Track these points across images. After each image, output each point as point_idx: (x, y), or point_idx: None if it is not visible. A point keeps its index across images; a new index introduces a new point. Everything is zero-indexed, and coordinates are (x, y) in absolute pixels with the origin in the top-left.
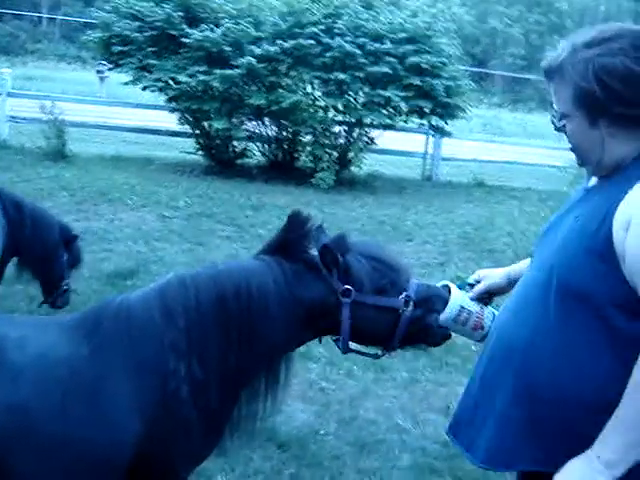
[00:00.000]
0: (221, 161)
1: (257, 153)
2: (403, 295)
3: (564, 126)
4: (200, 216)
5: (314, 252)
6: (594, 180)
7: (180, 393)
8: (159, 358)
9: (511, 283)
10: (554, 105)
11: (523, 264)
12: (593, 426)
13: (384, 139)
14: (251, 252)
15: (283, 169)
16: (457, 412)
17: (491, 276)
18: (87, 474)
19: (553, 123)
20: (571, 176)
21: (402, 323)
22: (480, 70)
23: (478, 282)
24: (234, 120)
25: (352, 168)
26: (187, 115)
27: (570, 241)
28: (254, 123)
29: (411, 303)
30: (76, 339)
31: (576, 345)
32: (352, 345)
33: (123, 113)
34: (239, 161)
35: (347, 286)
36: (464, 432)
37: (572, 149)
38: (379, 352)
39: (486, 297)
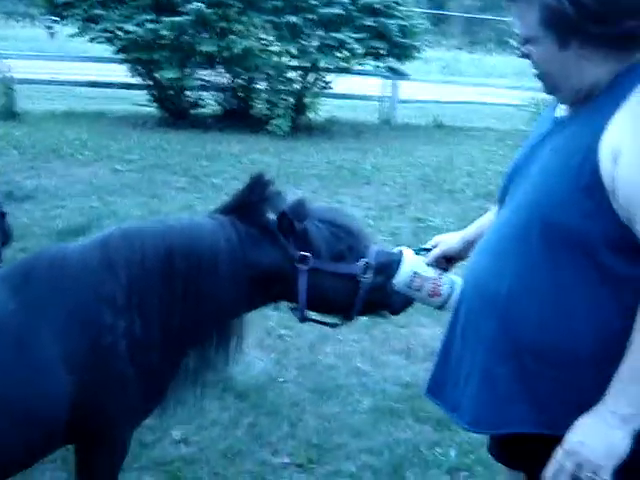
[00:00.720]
0: (175, 112)
1: (211, 102)
2: (362, 261)
3: (530, 51)
4: (154, 168)
5: (272, 217)
6: (563, 109)
7: (117, 348)
8: (92, 309)
9: (468, 247)
10: (518, 29)
11: (479, 224)
12: (594, 380)
13: (341, 83)
14: (207, 202)
15: (238, 117)
16: (436, 371)
17: (447, 241)
18: (24, 427)
19: (518, 49)
20: (529, 114)
21: (361, 290)
22: (437, 12)
23: (435, 247)
24: (186, 70)
25: (308, 114)
26: (138, 66)
27: (551, 176)
28: (207, 72)
29: (370, 269)
30: (3, 292)
31: (568, 291)
32: (309, 314)
33: (75, 68)
34: (193, 111)
35: (304, 253)
36: (447, 393)
37: (539, 76)
38: (338, 321)
39: (443, 263)
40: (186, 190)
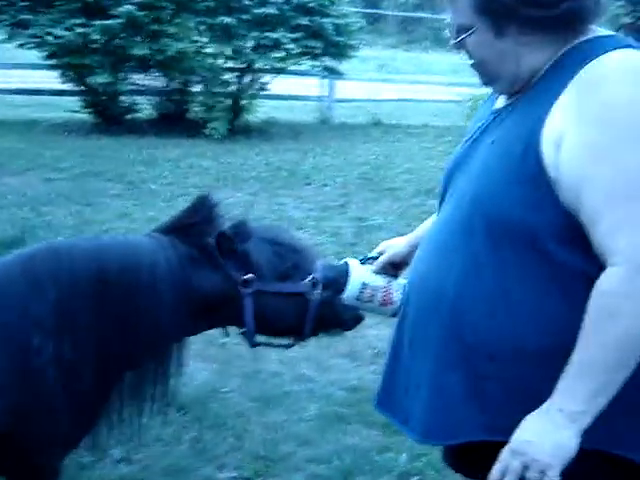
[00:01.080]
0: (109, 118)
1: (146, 107)
2: (309, 278)
3: (463, 41)
4: (88, 176)
5: (214, 239)
6: (502, 100)
7: (45, 373)
8: (19, 330)
9: (415, 250)
10: (450, 18)
11: (423, 228)
12: (547, 379)
13: (278, 84)
14: (144, 209)
15: (174, 121)
16: (384, 382)
17: (393, 247)
18: None
19: (451, 40)
20: (467, 110)
21: (311, 308)
22: (372, 11)
23: (381, 255)
24: (120, 74)
25: (246, 116)
26: (69, 72)
27: (491, 169)
28: (141, 76)
29: (318, 285)
30: None
31: (515, 287)
32: (260, 338)
33: (5, 75)
34: (128, 116)
35: (247, 275)
36: (397, 404)
37: (475, 66)
38: (290, 342)
39: (391, 270)
40: (122, 197)
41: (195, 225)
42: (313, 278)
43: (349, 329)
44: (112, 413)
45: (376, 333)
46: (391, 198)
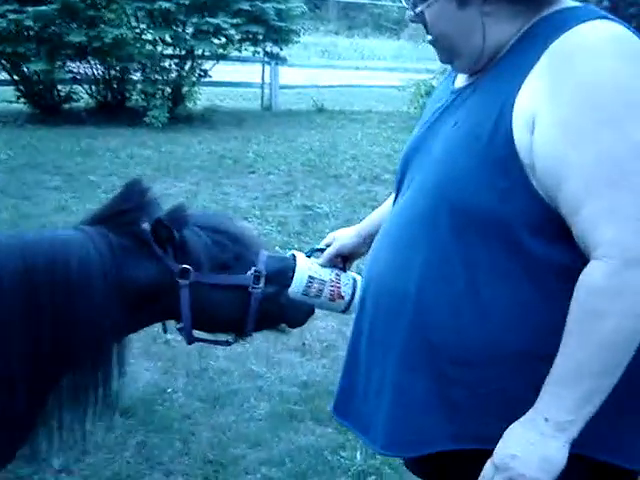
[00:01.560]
0: (46, 107)
1: (84, 96)
2: (252, 270)
3: (422, 13)
4: (24, 168)
5: (147, 227)
6: (463, 79)
7: None
8: None
9: (364, 241)
10: None
11: (375, 216)
12: (521, 381)
13: (220, 71)
14: (83, 201)
15: (114, 110)
16: (342, 386)
17: (341, 238)
18: None
19: (409, 12)
20: (410, 95)
21: (253, 302)
22: None
23: (329, 247)
24: (56, 62)
25: (187, 103)
26: (2, 60)
27: (455, 154)
28: (78, 64)
29: (262, 278)
30: None
31: (484, 282)
32: (197, 334)
33: None
34: (66, 106)
35: (184, 265)
36: (356, 412)
37: (434, 42)
38: (230, 339)
39: (340, 262)
40: (60, 189)
41: (126, 213)
42: (256, 270)
43: (298, 325)
44: (50, 420)
45: (325, 325)
46: (337, 185)
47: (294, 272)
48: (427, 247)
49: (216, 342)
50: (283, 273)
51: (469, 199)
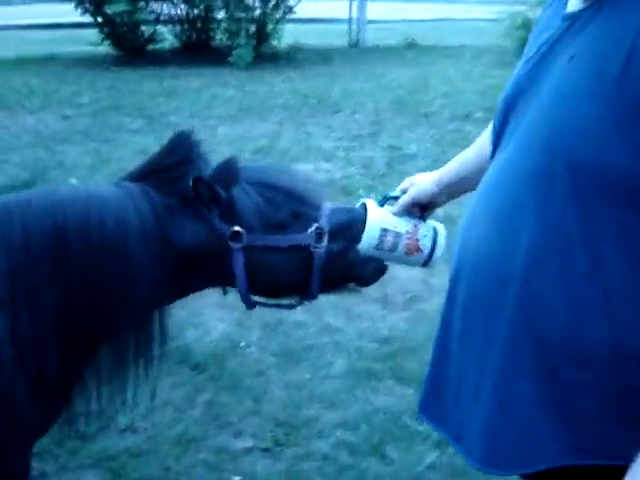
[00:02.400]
0: (130, 49)
1: (169, 36)
2: (313, 227)
3: None
4: (106, 111)
5: None
6: (575, 3)
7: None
8: None
9: (445, 190)
10: None
11: (459, 162)
12: None
13: (305, 8)
14: (162, 143)
15: (198, 51)
16: (429, 384)
17: (418, 184)
18: None
19: None
20: (504, 28)
21: (317, 263)
22: None
23: (405, 194)
24: (139, 2)
25: (272, 42)
26: (85, 2)
27: (572, 97)
28: (160, 4)
29: (325, 235)
30: None
31: (613, 266)
32: (257, 299)
33: (25, 11)
34: (150, 47)
35: (236, 227)
36: (448, 413)
37: None
38: (294, 302)
39: (417, 212)
40: (141, 132)
41: (172, 168)
42: (317, 227)
43: (369, 284)
44: (88, 390)
45: (408, 275)
46: (426, 124)
47: (364, 224)
48: (537, 217)
49: (278, 306)
50: (350, 227)
51: (592, 155)
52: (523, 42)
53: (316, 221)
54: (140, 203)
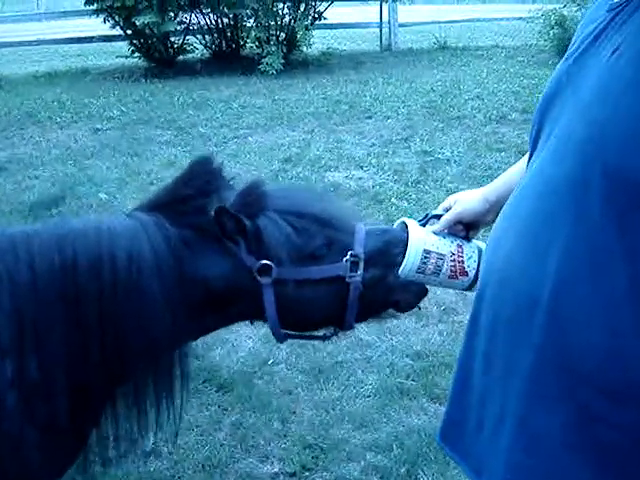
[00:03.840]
0: (160, 60)
1: (199, 46)
2: (348, 255)
3: None
4: (136, 124)
5: None
6: None
7: (5, 402)
8: None
9: (492, 208)
10: None
11: (505, 178)
12: None
13: (336, 13)
14: (192, 155)
15: (228, 60)
16: (450, 412)
17: (463, 201)
18: None
19: None
20: (538, 27)
21: (353, 293)
22: None
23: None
24: (167, 13)
25: (302, 48)
26: (114, 15)
27: (615, 94)
28: (189, 14)
29: (361, 263)
30: None
31: None
32: (289, 332)
33: (57, 27)
34: (180, 58)
35: (264, 261)
36: (469, 443)
37: None
38: (328, 333)
39: (461, 231)
40: (171, 144)
41: (190, 199)
42: (352, 255)
43: (409, 310)
44: (105, 433)
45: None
46: (459, 127)
47: (405, 246)
48: (569, 232)
49: (312, 337)
50: (388, 250)
51: (635, 160)
52: (558, 41)
53: (350, 248)
54: (154, 237)
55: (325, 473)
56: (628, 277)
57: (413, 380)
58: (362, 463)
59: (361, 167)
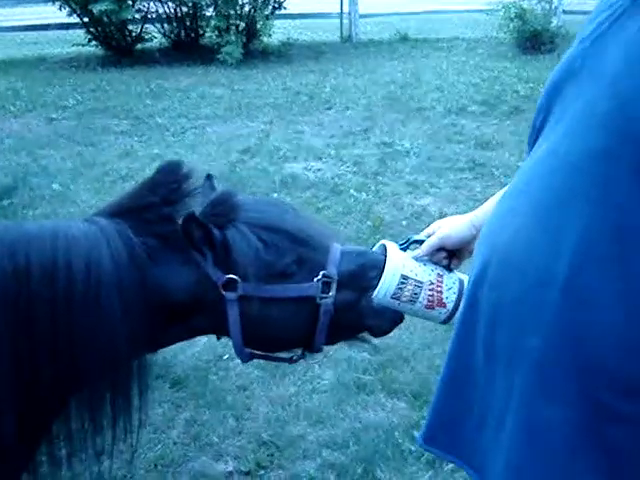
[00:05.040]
0: (118, 49)
1: (158, 35)
2: (320, 275)
3: None
4: (92, 113)
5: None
6: None
7: None
8: None
9: (479, 234)
10: None
11: (493, 203)
12: None
13: (296, 3)
14: (149, 146)
15: (188, 49)
16: (441, 406)
17: (448, 225)
18: None
19: None
20: (498, 19)
21: (323, 315)
22: None
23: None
24: (126, 2)
25: (262, 38)
26: (70, 2)
27: None
28: (147, 2)
29: (333, 284)
30: None
31: None
32: (254, 350)
33: (11, 13)
34: (139, 46)
35: (230, 275)
36: (467, 438)
37: None
38: (295, 355)
39: (444, 258)
40: (127, 134)
41: (154, 206)
42: (324, 275)
43: (383, 334)
44: (56, 449)
45: None
46: (420, 119)
47: (380, 270)
48: (591, 205)
49: (278, 359)
50: (363, 273)
51: None
52: (518, 33)
53: (323, 268)
54: (115, 244)
55: (280, 471)
56: None
57: (370, 375)
58: (318, 460)
59: (320, 158)
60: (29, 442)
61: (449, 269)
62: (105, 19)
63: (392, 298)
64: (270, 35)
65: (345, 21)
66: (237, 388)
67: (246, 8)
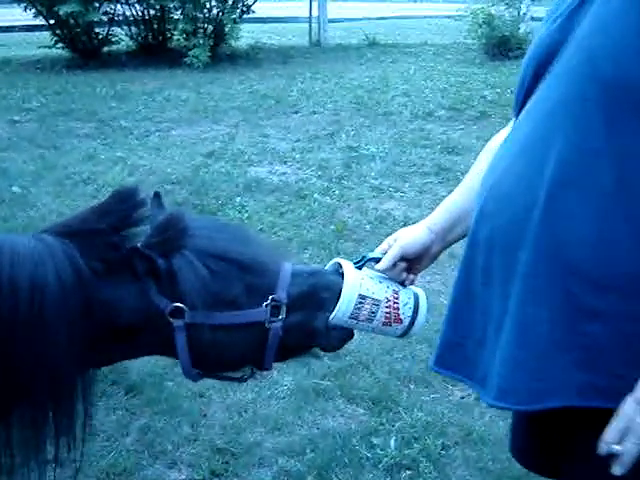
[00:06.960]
0: (84, 51)
1: (125, 38)
2: (269, 300)
3: None
4: (56, 115)
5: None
6: None
7: None
8: None
9: (438, 237)
10: None
11: (449, 204)
12: None
13: (265, 7)
14: (113, 149)
15: (155, 52)
16: (449, 330)
17: (405, 235)
18: None
19: None
20: (466, 25)
21: (272, 339)
22: None
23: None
24: (92, 3)
25: (230, 42)
26: (35, 4)
27: (610, 22)
28: (114, 4)
29: (282, 308)
30: None
31: (638, 186)
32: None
33: None
34: (105, 49)
35: (177, 304)
36: (470, 358)
37: None
38: (245, 375)
39: (404, 269)
40: (90, 137)
41: (102, 233)
42: (273, 300)
43: (333, 350)
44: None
45: None
46: (386, 124)
47: (334, 290)
48: (565, 139)
49: (228, 378)
50: (315, 294)
51: (630, 71)
52: (486, 39)
53: (272, 292)
54: (62, 264)
55: (235, 479)
56: (615, 174)
57: (330, 380)
58: (274, 468)
59: (285, 162)
60: None
61: (403, 285)
62: (71, 21)
63: (350, 318)
64: (238, 39)
65: (314, 25)
66: (193, 394)
67: (214, 11)
